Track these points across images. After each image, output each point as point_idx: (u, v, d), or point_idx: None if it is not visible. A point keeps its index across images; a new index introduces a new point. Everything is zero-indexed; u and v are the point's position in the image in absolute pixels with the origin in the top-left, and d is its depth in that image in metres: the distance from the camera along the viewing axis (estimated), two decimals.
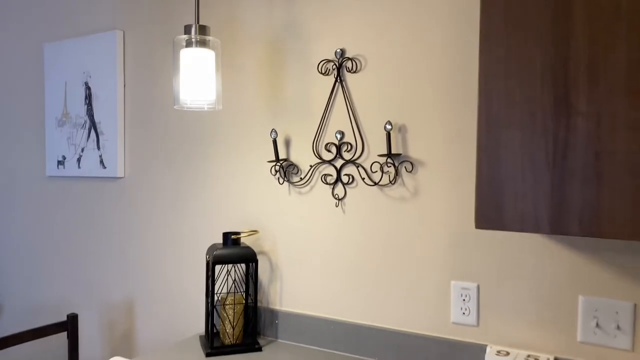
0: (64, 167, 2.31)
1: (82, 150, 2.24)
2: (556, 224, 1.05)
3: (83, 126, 2.23)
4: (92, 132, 2.20)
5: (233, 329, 1.67)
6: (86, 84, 2.21)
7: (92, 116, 2.19)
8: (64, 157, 2.30)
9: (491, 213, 1.12)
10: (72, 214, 2.33)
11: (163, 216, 2.06)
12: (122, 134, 2.14)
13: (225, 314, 1.67)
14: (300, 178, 1.73)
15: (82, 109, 2.23)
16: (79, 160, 2.25)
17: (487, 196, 1.13)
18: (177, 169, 2.02)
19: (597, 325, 1.31)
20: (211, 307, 1.65)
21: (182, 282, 2.01)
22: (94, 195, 2.25)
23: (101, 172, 2.18)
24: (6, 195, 2.58)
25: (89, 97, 2.21)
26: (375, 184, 1.59)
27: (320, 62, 1.68)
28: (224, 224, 1.90)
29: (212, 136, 1.93)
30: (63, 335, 2.27)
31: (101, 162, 2.18)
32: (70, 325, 1.77)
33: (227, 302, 1.68)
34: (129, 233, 2.15)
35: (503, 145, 1.10)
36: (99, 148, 2.18)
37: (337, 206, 1.67)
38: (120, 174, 2.14)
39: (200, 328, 1.96)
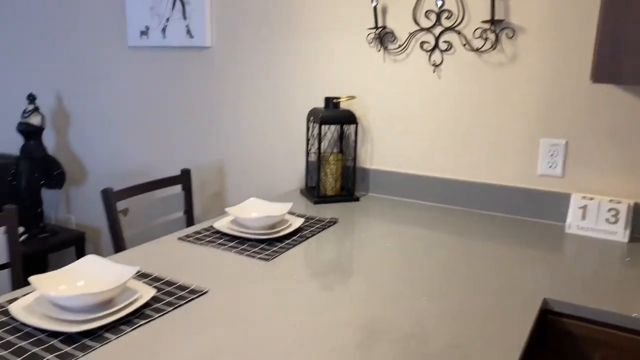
0: (147, 38, 2.40)
1: (167, 20, 2.31)
2: None
3: None
4: (178, 2, 2.26)
5: (335, 182, 1.89)
6: None
7: None
8: (147, 27, 2.38)
9: (609, 68, 1.26)
10: (156, 83, 2.46)
11: (254, 84, 2.19)
12: (209, 3, 2.20)
13: (327, 170, 1.88)
14: (399, 45, 1.84)
15: None
16: (163, 30, 2.33)
17: (607, 52, 1.26)
18: (268, 37, 2.11)
19: None
20: (318, 163, 1.85)
21: (274, 146, 2.20)
22: (180, 64, 2.37)
23: (188, 42, 2.27)
24: (90, 67, 2.69)
25: None
26: (474, 50, 1.71)
27: None
28: (318, 91, 2.04)
29: (308, 2, 2.01)
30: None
31: (188, 31, 2.26)
32: (184, 178, 1.99)
33: (330, 159, 1.87)
34: (218, 102, 2.30)
35: (628, 4, 1.21)
36: (185, 18, 2.26)
37: (433, 72, 1.80)
38: (208, 43, 2.24)
39: (294, 185, 2.18)
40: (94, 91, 2.69)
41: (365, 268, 1.27)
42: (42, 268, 2.99)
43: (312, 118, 1.88)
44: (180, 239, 1.45)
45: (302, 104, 2.09)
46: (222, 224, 1.52)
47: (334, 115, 1.83)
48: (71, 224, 2.97)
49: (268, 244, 1.42)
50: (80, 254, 2.79)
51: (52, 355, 0.86)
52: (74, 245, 2.79)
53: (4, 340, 0.91)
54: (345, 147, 1.98)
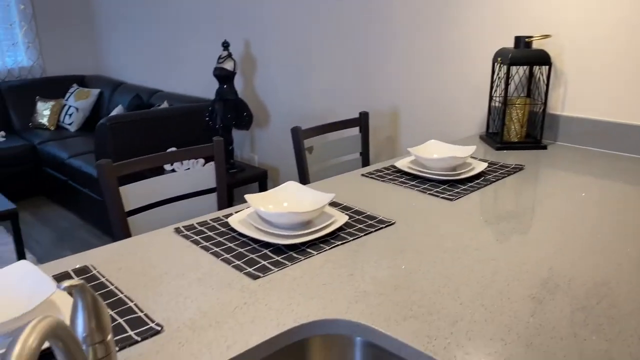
0: None
1: None
2: None
3: None
4: None
5: (520, 128, 1.79)
6: None
7: None
8: None
9: None
10: (332, 32, 2.53)
11: (431, 25, 2.14)
12: None
13: (512, 115, 1.78)
14: None
15: None
16: None
17: None
18: None
19: None
20: (502, 107, 1.76)
21: (451, 90, 2.14)
22: (357, 9, 2.40)
23: None
24: (270, 16, 2.87)
25: None
26: None
27: None
28: (506, 29, 1.92)
29: None
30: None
31: None
32: (362, 121, 2.05)
33: (517, 103, 1.77)
34: (392, 46, 2.30)
35: None
36: None
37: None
38: None
39: (472, 131, 2.12)
40: (276, 39, 2.86)
41: (553, 218, 1.20)
42: (229, 200, 3.37)
43: (499, 59, 1.78)
44: (363, 175, 1.52)
45: (486, 45, 1.98)
46: (403, 163, 1.55)
47: (525, 55, 1.71)
48: (254, 163, 3.28)
49: (450, 185, 1.42)
50: (262, 189, 3.07)
51: (266, 262, 0.99)
52: (257, 181, 3.09)
53: (227, 246, 1.06)
54: (534, 90, 1.85)
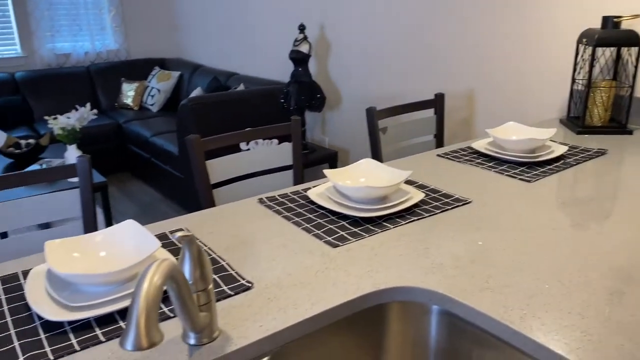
0: None
1: None
2: None
3: None
4: None
5: (604, 112, 1.72)
6: None
7: None
8: None
9: None
10: (412, 13, 2.52)
11: (512, 6, 2.08)
12: None
13: (596, 98, 1.72)
14: None
15: None
16: None
17: None
18: None
19: None
20: (586, 90, 1.70)
21: (530, 72, 2.09)
22: None
23: None
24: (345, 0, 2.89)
25: None
26: None
27: None
28: (589, 11, 1.84)
29: None
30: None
31: None
32: (438, 102, 2.05)
33: (602, 86, 1.70)
34: (470, 27, 2.26)
35: None
36: None
37: None
38: None
39: (551, 115, 2.06)
40: (350, 22, 2.89)
41: (635, 205, 1.17)
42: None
43: (584, 40, 1.71)
44: (439, 155, 1.53)
45: (570, 26, 1.91)
46: (480, 144, 1.55)
47: (613, 36, 1.64)
48: (325, 144, 3.34)
49: (528, 167, 1.40)
50: None
51: (344, 232, 1.04)
52: (328, 162, 3.15)
53: (306, 217, 1.12)
54: (621, 73, 1.77)
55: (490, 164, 1.43)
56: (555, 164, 1.42)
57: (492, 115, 2.28)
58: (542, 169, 1.38)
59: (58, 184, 2.62)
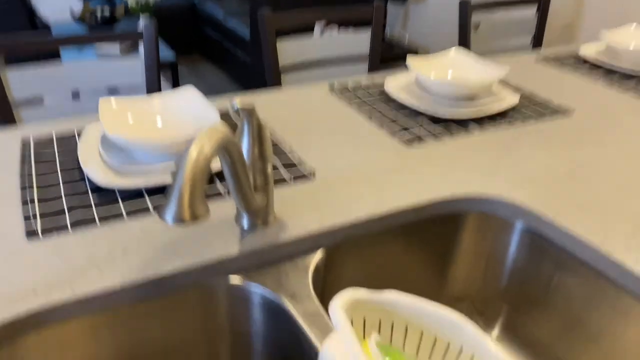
0: None
1: None
2: None
3: None
4: None
5: None
6: None
7: None
8: None
9: None
10: None
11: None
12: None
13: None
14: None
15: None
16: None
17: None
18: None
19: None
20: None
21: None
22: None
23: None
24: None
25: None
26: None
27: None
28: None
29: None
30: None
31: None
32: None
33: None
34: None
35: None
36: None
37: None
38: None
39: None
40: None
41: None
42: None
43: None
44: (538, 59, 1.33)
45: None
46: (588, 50, 1.33)
47: None
48: (404, 41, 3.10)
49: None
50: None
51: (421, 131, 0.92)
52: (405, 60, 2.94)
53: (380, 110, 1.00)
54: None
55: (597, 73, 1.23)
56: None
57: (601, 20, 1.98)
58: None
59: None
